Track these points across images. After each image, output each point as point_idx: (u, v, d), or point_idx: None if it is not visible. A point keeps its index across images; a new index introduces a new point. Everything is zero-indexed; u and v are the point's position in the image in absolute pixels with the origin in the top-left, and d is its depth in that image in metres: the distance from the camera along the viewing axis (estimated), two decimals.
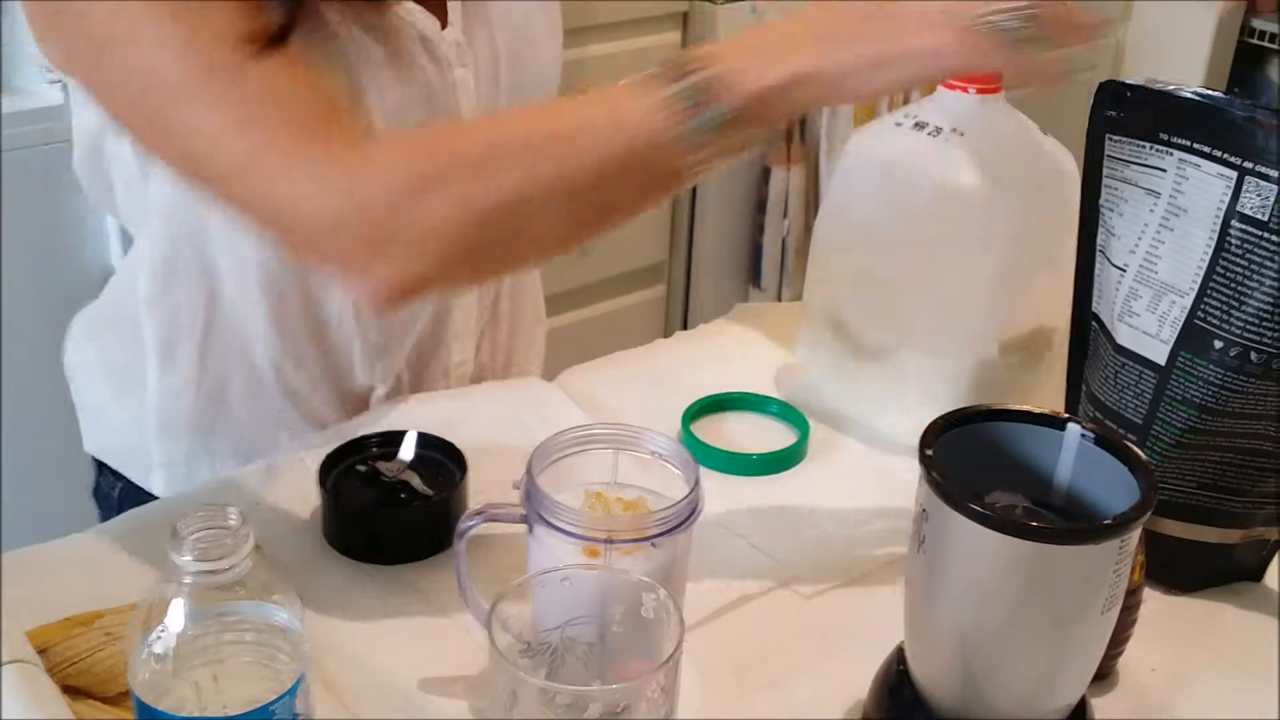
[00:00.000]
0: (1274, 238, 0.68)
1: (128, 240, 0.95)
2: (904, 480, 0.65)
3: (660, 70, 0.68)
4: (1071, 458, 0.64)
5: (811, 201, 2.23)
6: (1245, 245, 0.70)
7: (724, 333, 1.07)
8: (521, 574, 0.63)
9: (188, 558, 0.53)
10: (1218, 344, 0.71)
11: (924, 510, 0.61)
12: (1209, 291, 0.71)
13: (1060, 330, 0.92)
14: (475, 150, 0.68)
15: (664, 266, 2.28)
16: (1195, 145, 0.71)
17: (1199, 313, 0.72)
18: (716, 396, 0.95)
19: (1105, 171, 0.77)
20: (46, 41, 0.74)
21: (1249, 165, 0.70)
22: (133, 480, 0.97)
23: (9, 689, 0.59)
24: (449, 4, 0.85)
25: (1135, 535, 0.59)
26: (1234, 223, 0.70)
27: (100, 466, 1.00)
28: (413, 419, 0.87)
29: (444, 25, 0.84)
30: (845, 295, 0.92)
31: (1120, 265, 0.76)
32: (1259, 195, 0.69)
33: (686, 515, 0.63)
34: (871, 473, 0.88)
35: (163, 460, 0.94)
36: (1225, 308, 0.70)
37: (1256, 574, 0.79)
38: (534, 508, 0.64)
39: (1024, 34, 0.67)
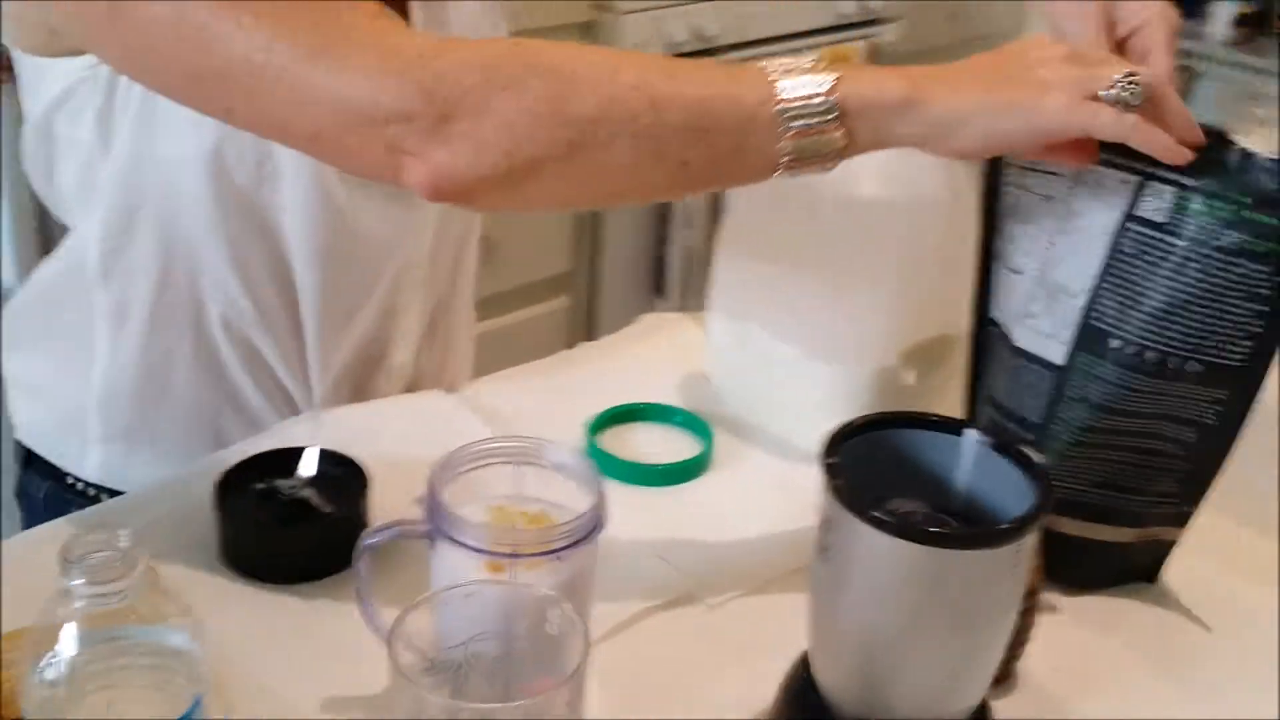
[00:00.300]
0: (1170, 239, 0.70)
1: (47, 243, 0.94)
2: (808, 488, 0.65)
3: (796, 68, 0.67)
4: (970, 463, 0.65)
5: (716, 210, 2.24)
6: (1141, 247, 0.71)
7: (629, 343, 1.07)
8: (425, 591, 0.62)
9: (79, 581, 0.52)
10: (1114, 343, 0.73)
11: (827, 518, 0.62)
12: (1103, 292, 0.73)
13: (961, 338, 0.94)
14: (566, 60, 0.67)
15: (569, 277, 2.28)
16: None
17: (1094, 313, 0.73)
18: (621, 407, 0.94)
19: (1004, 178, 0.79)
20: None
21: (1150, 170, 0.71)
22: (64, 468, 0.95)
23: None
24: (410, 5, 0.85)
25: (1032, 539, 0.60)
26: (1130, 226, 0.72)
27: (28, 459, 0.97)
28: (313, 436, 0.85)
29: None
30: (748, 305, 0.93)
31: (1018, 269, 0.77)
32: (1158, 199, 0.71)
33: (591, 528, 0.63)
34: (776, 481, 0.89)
35: (102, 435, 0.93)
36: (1121, 308, 0.72)
37: (1151, 575, 0.81)
38: (437, 523, 0.63)
39: (1133, 103, 0.68)
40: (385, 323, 0.96)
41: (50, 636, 0.53)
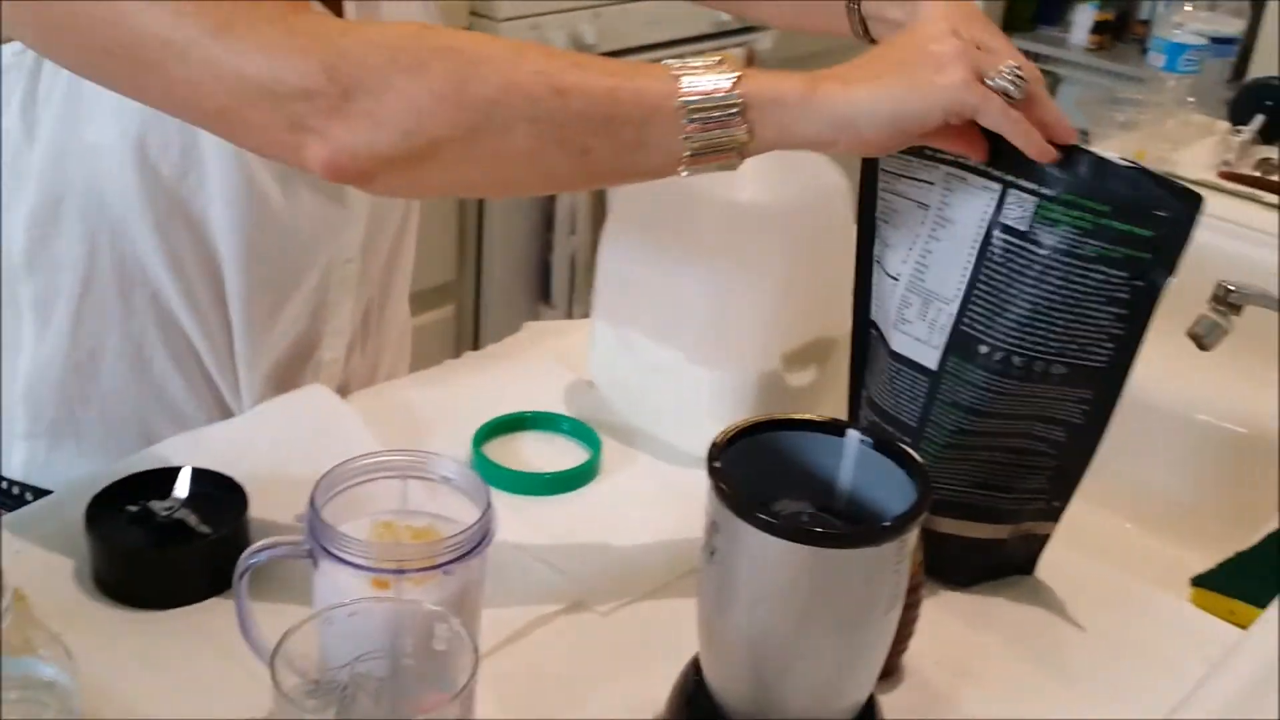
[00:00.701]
0: (1032, 247, 0.72)
1: None
2: (695, 493, 0.66)
3: (701, 65, 0.67)
4: (852, 463, 0.66)
5: (599, 217, 2.24)
6: (1007, 254, 0.73)
7: (514, 352, 1.07)
8: (309, 611, 0.60)
9: None
10: (983, 349, 0.74)
11: (713, 522, 0.62)
12: (973, 299, 0.74)
13: (841, 340, 0.95)
14: (471, 44, 0.67)
15: (453, 286, 2.26)
16: (960, 159, 0.75)
17: (965, 319, 0.75)
18: (508, 416, 0.94)
19: (880, 184, 0.80)
20: None
21: (1010, 179, 0.73)
22: None
23: None
24: (344, 4, 0.85)
25: (913, 536, 0.61)
26: (996, 233, 0.73)
27: None
28: (190, 453, 0.83)
29: None
30: (632, 311, 0.93)
31: (894, 275, 0.79)
32: (1020, 207, 0.73)
33: (478, 540, 0.62)
34: (663, 486, 0.89)
35: (26, 431, 0.91)
36: (989, 314, 0.74)
37: (1028, 567, 0.83)
38: (319, 540, 0.62)
39: (1014, 94, 0.69)
40: (315, 319, 0.95)
41: None
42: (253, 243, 0.88)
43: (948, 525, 0.80)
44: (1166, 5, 2.09)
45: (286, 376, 0.96)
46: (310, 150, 0.65)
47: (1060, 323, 0.72)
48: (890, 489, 0.63)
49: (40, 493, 0.89)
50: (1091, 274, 0.71)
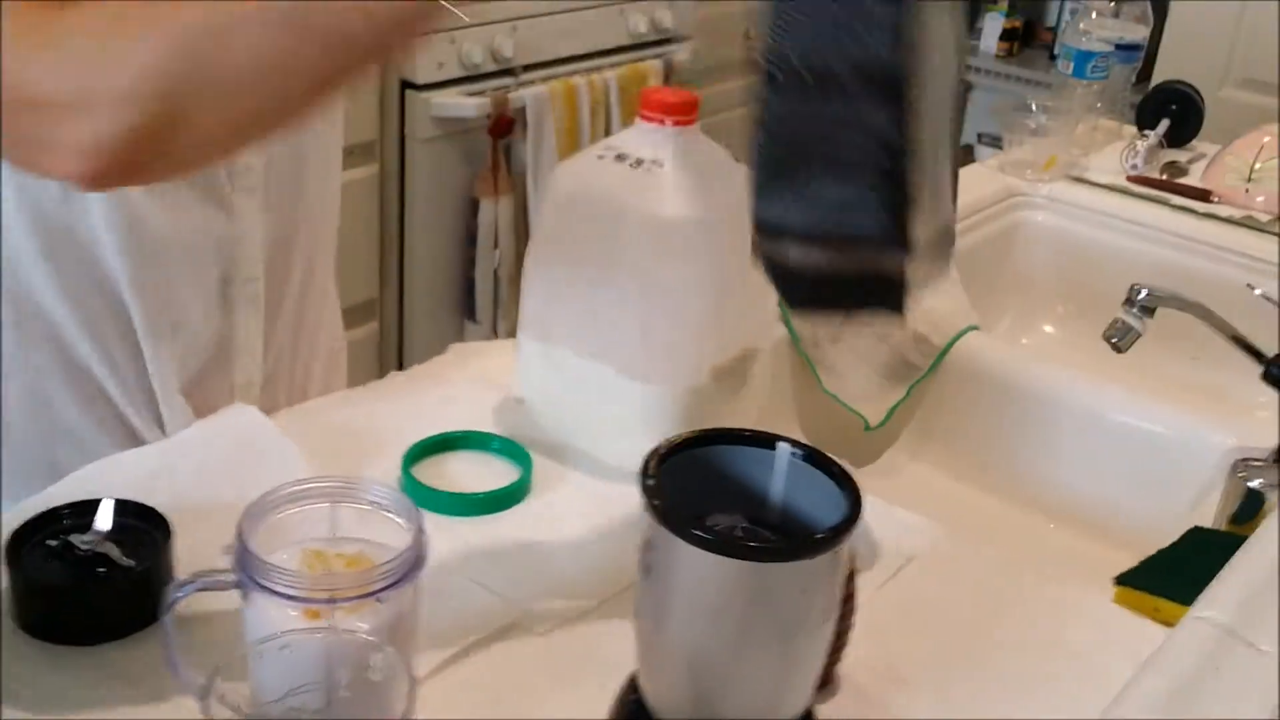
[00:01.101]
0: None
1: None
2: (628, 508, 0.66)
3: None
4: (784, 475, 0.66)
5: (522, 232, 2.24)
6: None
7: (440, 371, 1.06)
8: (239, 643, 0.59)
9: None
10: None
11: (648, 539, 0.62)
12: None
13: (762, 352, 0.96)
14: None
15: (375, 303, 2.24)
16: None
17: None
18: (436, 437, 0.93)
19: None
20: None
21: None
22: None
23: None
24: None
25: (847, 547, 0.62)
26: None
27: None
28: (111, 482, 0.81)
29: None
30: (558, 327, 0.93)
31: None
32: None
33: (411, 565, 0.62)
34: (597, 502, 0.89)
35: None
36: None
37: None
38: (248, 571, 0.61)
39: None
40: (223, 342, 0.94)
41: None
42: (139, 265, 0.86)
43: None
44: (1072, 13, 2.14)
45: (204, 402, 0.94)
46: (56, 159, 0.62)
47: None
48: (822, 500, 0.64)
49: None
50: None
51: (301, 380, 1.03)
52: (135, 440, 0.92)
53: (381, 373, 1.07)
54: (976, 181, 1.53)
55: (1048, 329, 1.53)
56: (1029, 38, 3.38)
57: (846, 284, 0.63)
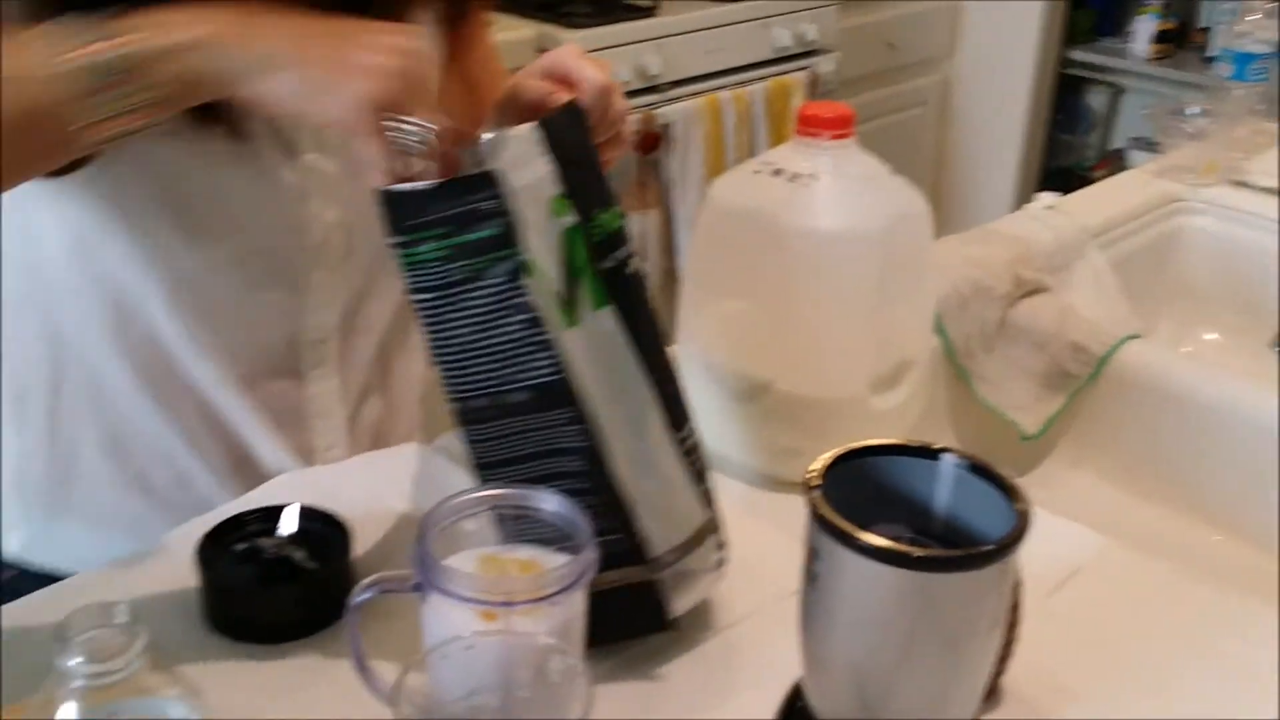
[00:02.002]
0: (423, 296, 0.68)
1: None
2: (784, 517, 0.66)
3: (75, 34, 0.65)
4: (949, 487, 0.66)
5: (667, 245, 2.26)
6: (419, 308, 0.69)
7: None
8: (414, 644, 0.62)
9: (77, 660, 0.51)
10: (456, 406, 0.70)
11: (814, 548, 0.63)
12: (434, 359, 0.70)
13: (920, 363, 0.96)
14: None
15: None
16: None
17: (443, 380, 0.71)
18: None
19: None
20: None
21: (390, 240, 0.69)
22: None
23: None
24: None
25: (1016, 558, 0.62)
26: (411, 297, 0.69)
27: None
28: (292, 492, 0.85)
29: None
30: (716, 340, 0.94)
31: None
32: (399, 258, 0.68)
33: (583, 571, 0.64)
34: (751, 511, 0.90)
35: (20, 519, 0.91)
36: (442, 369, 0.70)
37: (653, 624, 0.75)
38: (427, 575, 0.63)
39: (411, 151, 0.66)
40: (297, 402, 0.93)
41: (48, 714, 0.53)
42: (199, 331, 0.87)
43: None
44: (1230, 15, 2.07)
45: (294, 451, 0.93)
46: None
47: (484, 351, 0.69)
48: (988, 511, 0.64)
49: (40, 574, 0.88)
50: (476, 294, 0.68)
51: (386, 430, 1.00)
52: (218, 491, 0.91)
53: None
54: (1133, 187, 1.50)
55: (1208, 336, 1.48)
56: (1182, 39, 3.27)
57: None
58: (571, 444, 0.70)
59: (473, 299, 0.68)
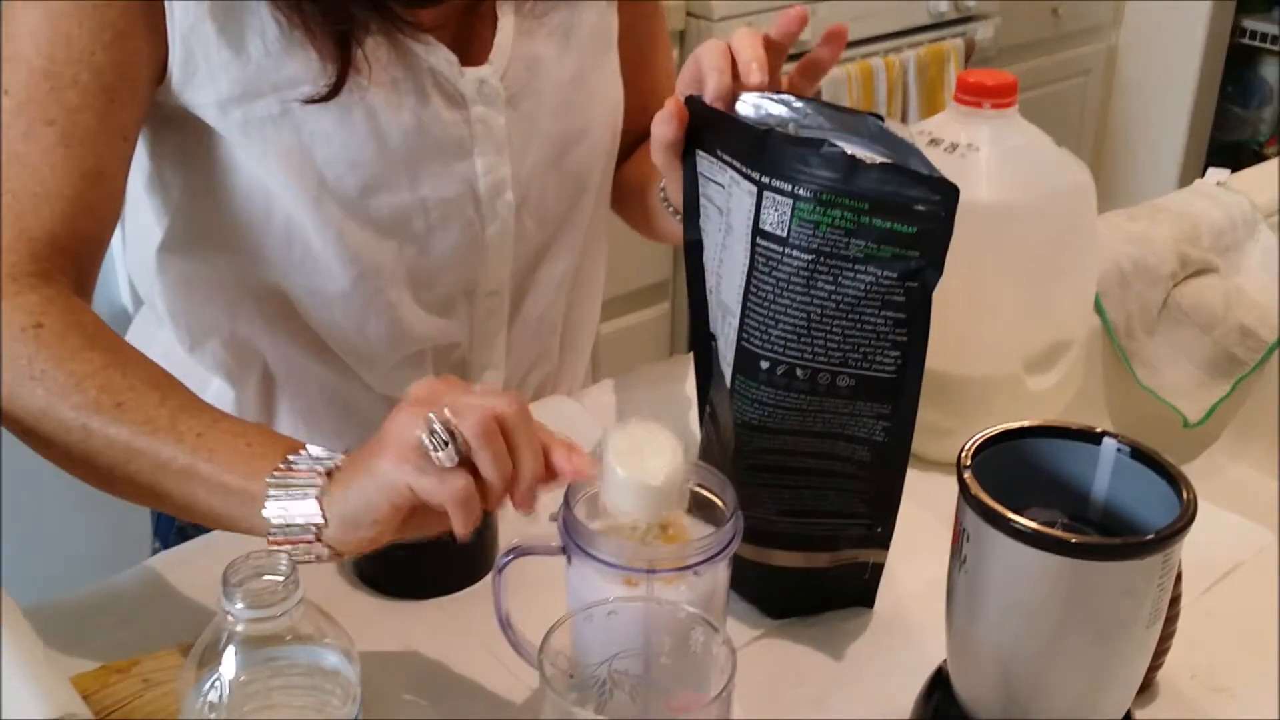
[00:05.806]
0: (793, 253, 0.66)
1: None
2: (941, 499, 0.65)
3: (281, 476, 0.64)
4: (1109, 472, 0.64)
5: None
6: (769, 262, 0.67)
7: None
8: (553, 605, 0.62)
9: (240, 605, 0.53)
10: (764, 364, 0.69)
11: (964, 529, 0.61)
12: (749, 312, 0.68)
13: (1077, 342, 0.93)
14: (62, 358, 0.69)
15: (668, 284, 2.29)
16: (733, 160, 0.69)
17: (744, 334, 0.69)
18: None
19: (698, 188, 0.75)
20: None
21: (766, 180, 0.66)
22: None
23: None
24: (495, 42, 0.86)
25: (1179, 549, 0.59)
26: (759, 240, 0.67)
27: None
28: None
29: (479, 62, 0.85)
30: None
31: (709, 287, 0.74)
32: (776, 210, 0.66)
33: (727, 542, 0.63)
34: (906, 492, 0.88)
35: None
36: (764, 327, 0.68)
37: (865, 599, 0.78)
38: (572, 539, 0.64)
39: (444, 453, 0.60)
40: (463, 353, 0.96)
41: (210, 658, 0.55)
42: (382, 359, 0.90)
43: (754, 553, 0.74)
44: None
45: None
46: None
47: (837, 330, 0.67)
48: (1150, 499, 0.61)
49: None
50: (861, 276, 0.66)
51: (553, 380, 1.02)
52: None
53: (673, 352, 1.08)
54: None
55: None
56: None
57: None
58: (870, 436, 0.71)
59: (854, 277, 0.66)
